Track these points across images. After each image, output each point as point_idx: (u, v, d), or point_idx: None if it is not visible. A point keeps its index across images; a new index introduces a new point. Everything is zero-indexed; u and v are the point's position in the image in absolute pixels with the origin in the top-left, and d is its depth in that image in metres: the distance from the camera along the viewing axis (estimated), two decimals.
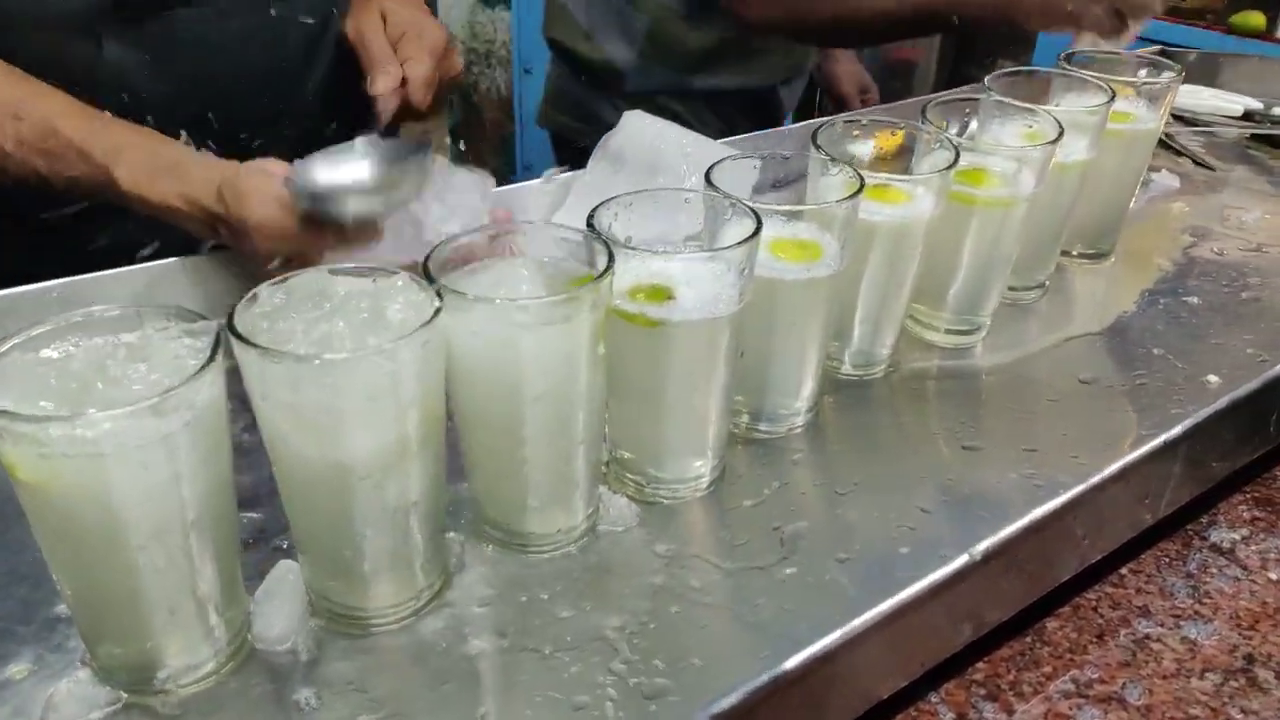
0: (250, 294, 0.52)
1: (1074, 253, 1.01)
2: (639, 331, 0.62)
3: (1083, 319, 0.92)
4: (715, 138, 0.98)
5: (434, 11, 3.52)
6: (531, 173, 1.15)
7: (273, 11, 0.94)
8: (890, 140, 0.90)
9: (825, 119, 0.82)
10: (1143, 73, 1.00)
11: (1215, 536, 0.74)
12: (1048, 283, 0.96)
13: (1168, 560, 0.74)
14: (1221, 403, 0.75)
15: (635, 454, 0.68)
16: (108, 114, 0.79)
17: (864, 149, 0.84)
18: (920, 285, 0.87)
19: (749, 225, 0.62)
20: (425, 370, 0.51)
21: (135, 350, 0.49)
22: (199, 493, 0.49)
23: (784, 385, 0.74)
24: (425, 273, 0.54)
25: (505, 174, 3.10)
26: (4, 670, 0.53)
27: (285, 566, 0.58)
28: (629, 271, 0.62)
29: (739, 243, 0.62)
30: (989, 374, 0.83)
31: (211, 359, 0.47)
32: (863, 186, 0.69)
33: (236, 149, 0.80)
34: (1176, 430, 0.71)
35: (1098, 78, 0.91)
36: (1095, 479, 0.67)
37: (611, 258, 0.57)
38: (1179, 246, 1.05)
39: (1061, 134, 0.81)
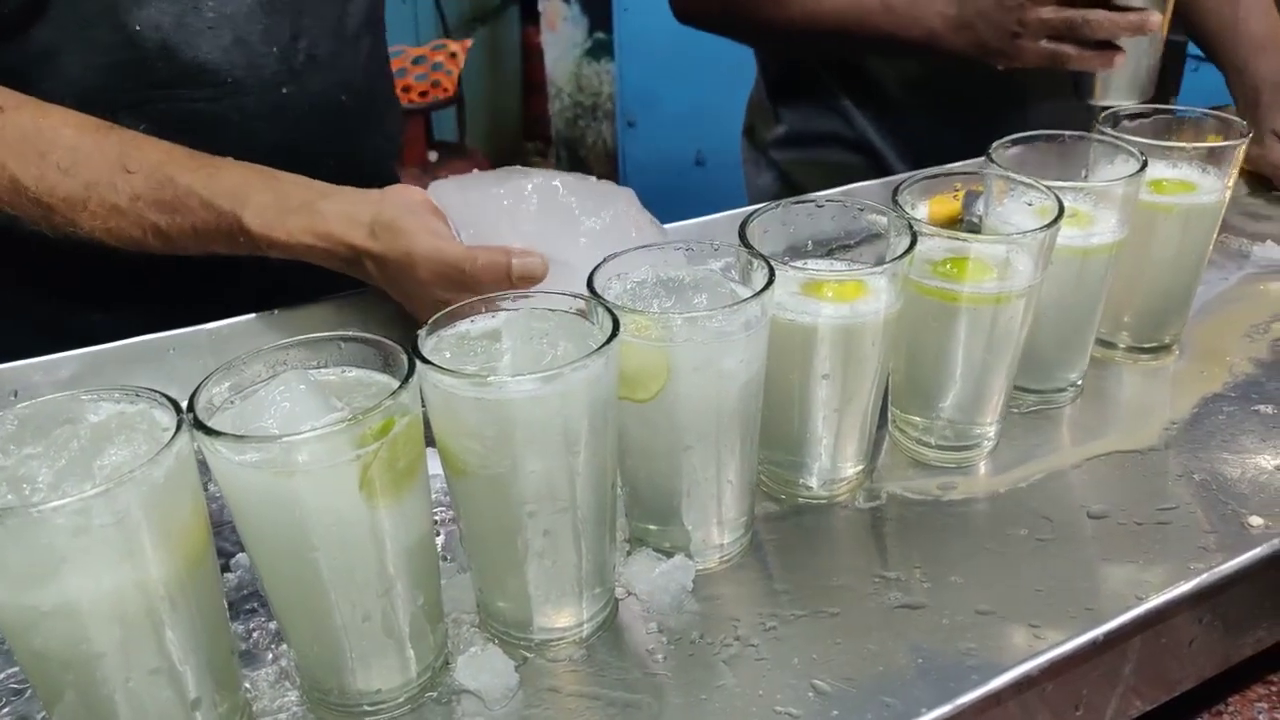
0: None
1: (1121, 346, 0.85)
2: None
3: (1119, 431, 0.76)
4: None
5: (540, 64, 3.55)
6: None
7: (284, 90, 0.91)
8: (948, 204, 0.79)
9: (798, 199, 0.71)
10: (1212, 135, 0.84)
11: None
12: (1081, 383, 0.80)
13: None
14: (1242, 560, 0.58)
15: (503, 602, 0.58)
16: (219, 157, 0.77)
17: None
18: (903, 395, 0.74)
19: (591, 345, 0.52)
20: (157, 513, 0.44)
21: None
22: None
23: (698, 516, 0.62)
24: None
25: None
26: None
27: None
28: None
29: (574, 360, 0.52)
30: (979, 501, 0.69)
31: None
32: (772, 282, 0.58)
33: None
34: (1168, 597, 0.55)
35: (1131, 141, 0.76)
36: (1029, 666, 0.52)
37: (409, 376, 0.48)
38: (1269, 338, 0.87)
39: (1061, 214, 0.67)
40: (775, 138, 1.36)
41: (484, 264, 0.69)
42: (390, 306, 0.85)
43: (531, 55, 3.53)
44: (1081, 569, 0.61)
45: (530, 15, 3.48)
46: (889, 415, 0.75)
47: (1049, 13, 1.03)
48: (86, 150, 0.75)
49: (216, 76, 0.85)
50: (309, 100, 0.92)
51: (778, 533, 0.67)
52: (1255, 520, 0.63)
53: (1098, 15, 1.01)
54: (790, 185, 1.35)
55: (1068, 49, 1.04)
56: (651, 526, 0.64)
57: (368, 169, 1.01)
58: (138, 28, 0.81)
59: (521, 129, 3.74)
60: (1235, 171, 0.79)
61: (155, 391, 0.47)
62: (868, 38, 1.15)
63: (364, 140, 0.99)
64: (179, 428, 0.45)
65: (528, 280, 0.69)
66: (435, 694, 0.55)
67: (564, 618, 0.57)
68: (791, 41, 1.26)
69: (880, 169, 1.28)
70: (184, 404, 0.47)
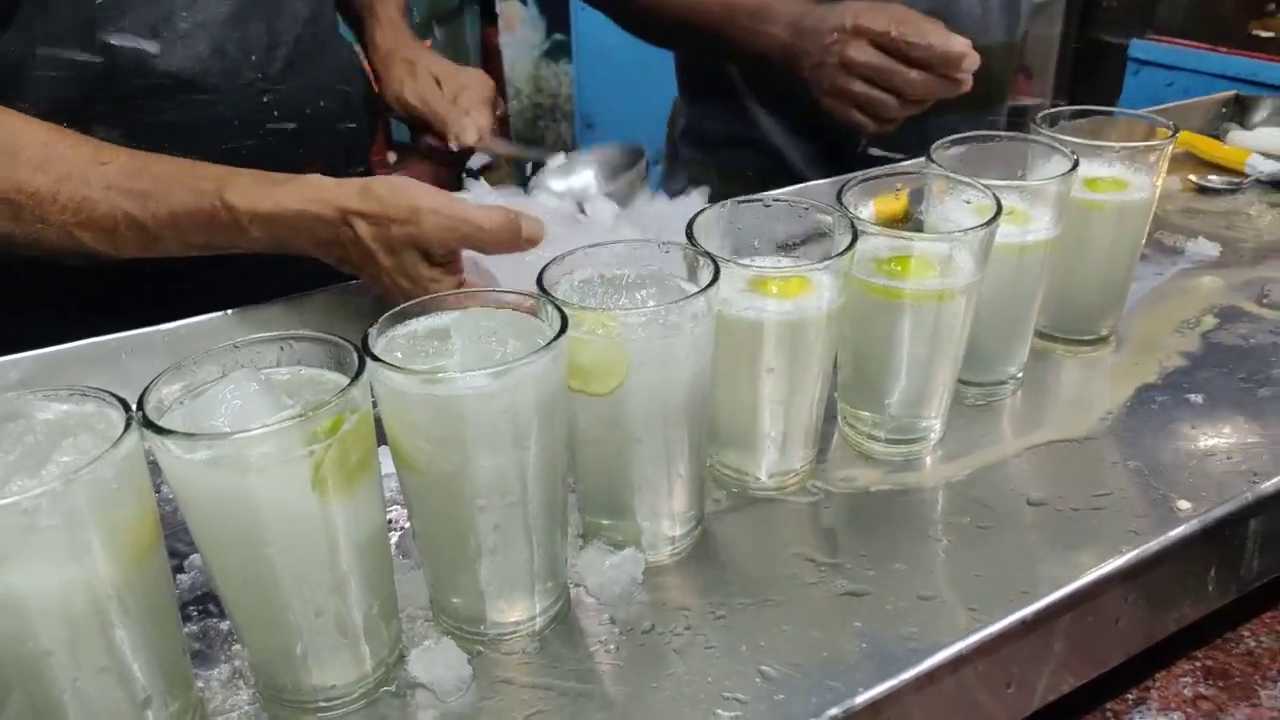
0: None
1: (1058, 336, 0.88)
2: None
3: (1058, 422, 0.78)
4: None
5: (499, 66, 3.54)
6: None
7: (264, 99, 0.91)
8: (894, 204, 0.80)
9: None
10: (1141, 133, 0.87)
11: None
12: (1021, 375, 0.82)
13: None
14: (1163, 540, 0.60)
15: (456, 598, 0.59)
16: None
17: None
18: (851, 391, 0.76)
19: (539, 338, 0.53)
20: (105, 512, 0.44)
21: None
22: None
23: (648, 509, 0.64)
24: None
25: None
26: None
27: None
28: None
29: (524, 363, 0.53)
30: (925, 492, 0.71)
31: None
32: (718, 277, 0.59)
33: None
34: (1093, 577, 0.58)
35: (1064, 142, 0.79)
36: (960, 646, 0.54)
37: (358, 374, 0.49)
38: (1199, 330, 0.90)
39: (999, 212, 0.69)
40: (682, 130, 1.37)
41: (500, 222, 0.71)
42: (350, 307, 0.85)
43: (490, 56, 3.52)
44: (1021, 554, 0.63)
45: (489, 16, 3.48)
46: (838, 411, 0.77)
47: (862, 54, 1.00)
48: (60, 148, 0.75)
49: (192, 86, 0.84)
50: (287, 106, 0.92)
51: (728, 525, 0.68)
52: (1183, 504, 0.66)
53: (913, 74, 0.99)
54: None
55: (887, 99, 1.01)
56: (603, 520, 0.65)
57: (345, 171, 1.01)
58: (111, 41, 0.81)
59: None
60: (1164, 169, 0.82)
61: (104, 391, 0.47)
62: (715, 42, 1.16)
63: (340, 142, 0.99)
64: (128, 426, 0.45)
65: (533, 243, 0.73)
66: (391, 688, 0.55)
67: (516, 612, 0.58)
68: (663, 32, 1.27)
69: (781, 170, 1.26)
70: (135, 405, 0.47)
